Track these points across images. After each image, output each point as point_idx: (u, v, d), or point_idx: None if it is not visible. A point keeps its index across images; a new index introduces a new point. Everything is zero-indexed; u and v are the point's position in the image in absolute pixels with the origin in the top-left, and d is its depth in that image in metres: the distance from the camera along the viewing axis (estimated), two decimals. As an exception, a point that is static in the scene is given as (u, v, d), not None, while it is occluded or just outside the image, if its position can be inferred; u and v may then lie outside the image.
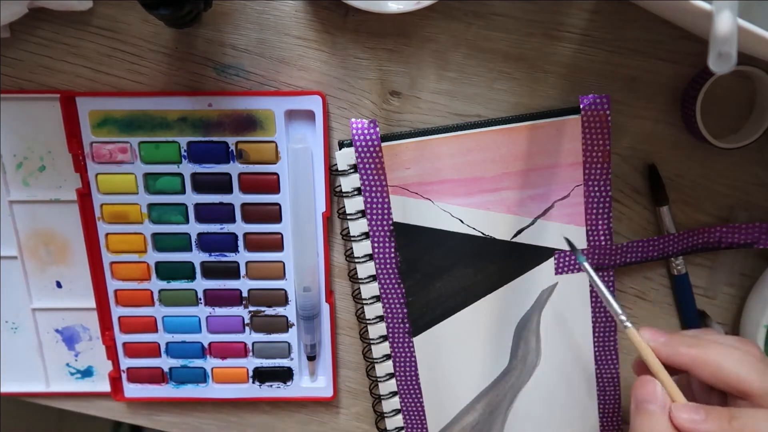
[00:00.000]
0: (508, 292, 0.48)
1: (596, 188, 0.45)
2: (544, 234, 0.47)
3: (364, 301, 0.47)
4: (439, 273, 0.47)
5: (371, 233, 0.46)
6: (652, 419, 0.35)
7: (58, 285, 0.49)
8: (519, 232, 0.47)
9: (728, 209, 0.47)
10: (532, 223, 0.46)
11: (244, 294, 0.48)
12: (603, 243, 0.46)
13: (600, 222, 0.46)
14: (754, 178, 0.47)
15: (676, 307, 0.50)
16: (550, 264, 0.47)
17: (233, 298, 0.48)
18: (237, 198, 0.46)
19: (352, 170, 0.45)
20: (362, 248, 0.46)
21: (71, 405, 0.51)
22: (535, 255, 0.47)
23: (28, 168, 0.47)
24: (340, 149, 0.45)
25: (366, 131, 0.43)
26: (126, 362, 0.50)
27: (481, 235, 0.46)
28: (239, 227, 0.47)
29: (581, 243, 0.46)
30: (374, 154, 0.44)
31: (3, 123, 0.46)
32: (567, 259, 0.47)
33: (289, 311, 0.49)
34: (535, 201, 0.46)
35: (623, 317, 0.38)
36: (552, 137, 0.44)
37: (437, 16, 0.44)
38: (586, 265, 0.41)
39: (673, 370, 0.36)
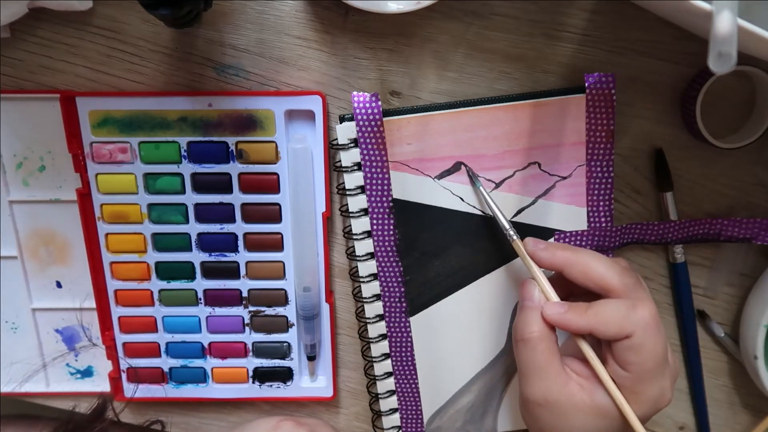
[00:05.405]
0: (507, 272, 0.48)
1: (598, 168, 0.45)
2: (545, 214, 0.46)
3: (362, 279, 0.47)
4: (438, 251, 0.47)
5: (370, 209, 0.45)
6: (528, 313, 0.40)
7: (58, 285, 0.49)
8: (520, 211, 0.46)
9: (728, 209, 0.47)
10: (533, 203, 0.46)
11: (244, 294, 0.48)
12: (603, 224, 0.46)
13: (601, 203, 0.46)
14: (754, 178, 0.47)
15: (674, 307, 0.50)
16: None
17: (233, 298, 0.48)
18: (237, 198, 0.46)
19: (352, 144, 0.44)
20: (361, 225, 0.46)
21: (71, 405, 0.51)
22: (535, 235, 0.46)
23: (28, 168, 0.47)
24: (340, 123, 0.44)
25: (367, 105, 0.43)
26: (126, 362, 0.50)
27: (482, 213, 0.46)
28: (239, 227, 0.47)
29: (582, 224, 0.46)
30: (375, 129, 0.43)
31: (3, 123, 0.45)
32: (567, 239, 0.47)
33: (289, 311, 0.49)
34: (537, 180, 0.46)
35: (511, 232, 0.43)
36: (555, 115, 0.44)
37: (437, 16, 0.44)
38: (482, 189, 0.45)
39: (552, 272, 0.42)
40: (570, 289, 0.42)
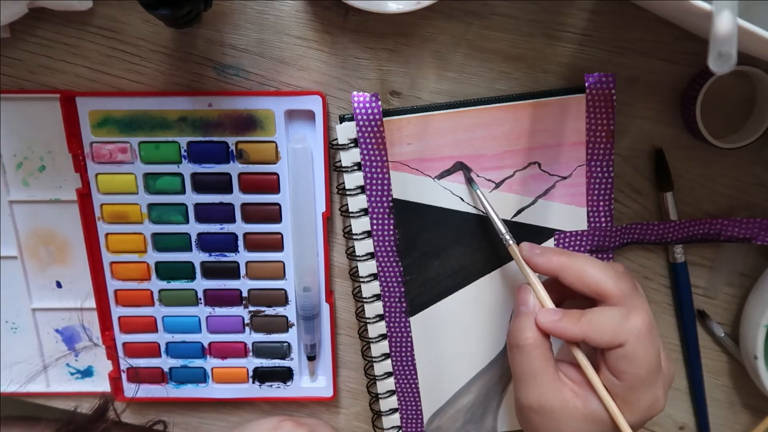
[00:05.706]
0: (507, 272, 0.48)
1: (598, 168, 0.45)
2: (545, 214, 0.46)
3: (362, 279, 0.47)
4: (438, 251, 0.47)
5: (370, 209, 0.45)
6: (523, 320, 0.40)
7: (58, 285, 0.49)
8: (520, 211, 0.46)
9: (728, 209, 0.47)
10: (533, 203, 0.46)
11: (244, 294, 0.48)
12: (603, 224, 0.46)
13: (601, 203, 0.46)
14: (754, 178, 0.47)
15: (674, 307, 0.50)
16: (550, 244, 0.47)
17: (233, 298, 0.48)
18: (237, 198, 0.46)
19: (352, 144, 0.44)
20: (361, 225, 0.46)
21: (71, 405, 0.51)
22: (535, 234, 0.47)
23: (28, 168, 0.47)
24: (340, 123, 0.44)
25: (367, 105, 0.43)
26: (126, 362, 0.50)
27: (482, 214, 0.46)
28: (239, 227, 0.47)
29: (582, 224, 0.46)
30: (375, 129, 0.43)
31: (3, 123, 0.46)
32: (567, 239, 0.47)
33: (289, 311, 0.49)
34: (537, 180, 0.46)
35: (507, 236, 0.43)
36: (556, 115, 0.44)
37: (437, 16, 0.44)
38: (479, 192, 0.45)
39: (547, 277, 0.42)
40: (566, 293, 0.42)
